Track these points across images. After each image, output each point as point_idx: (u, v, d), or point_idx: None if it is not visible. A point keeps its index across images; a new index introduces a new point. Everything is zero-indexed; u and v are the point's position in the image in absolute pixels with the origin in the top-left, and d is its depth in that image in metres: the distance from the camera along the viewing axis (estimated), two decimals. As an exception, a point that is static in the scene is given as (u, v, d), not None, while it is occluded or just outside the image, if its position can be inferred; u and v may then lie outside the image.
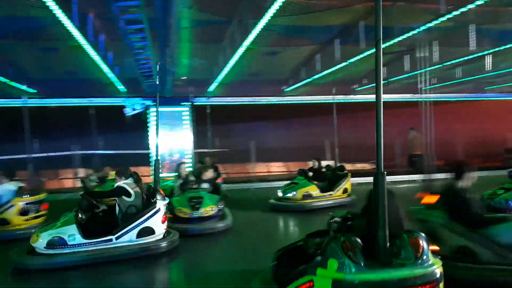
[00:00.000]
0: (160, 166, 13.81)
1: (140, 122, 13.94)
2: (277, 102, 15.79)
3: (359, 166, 16.69)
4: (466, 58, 10.77)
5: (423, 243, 2.83)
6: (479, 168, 6.04)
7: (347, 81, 13.86)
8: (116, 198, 5.79)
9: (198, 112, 14.46)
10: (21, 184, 7.48)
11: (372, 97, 15.65)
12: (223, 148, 15.59)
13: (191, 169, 12.21)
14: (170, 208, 7.05)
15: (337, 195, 9.12)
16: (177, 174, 8.45)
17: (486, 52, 10.44)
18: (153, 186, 6.56)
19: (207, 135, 13.85)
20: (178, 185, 7.93)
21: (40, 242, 5.24)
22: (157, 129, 7.14)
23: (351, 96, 15.22)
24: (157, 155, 7.03)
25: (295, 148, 15.08)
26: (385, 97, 3.09)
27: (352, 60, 10.73)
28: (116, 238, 5.47)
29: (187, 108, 14.08)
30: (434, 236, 4.08)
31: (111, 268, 5.28)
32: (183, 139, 14.02)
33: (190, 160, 13.72)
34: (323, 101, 14.34)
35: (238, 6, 8.39)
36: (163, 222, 5.84)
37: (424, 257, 2.79)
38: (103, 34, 9.25)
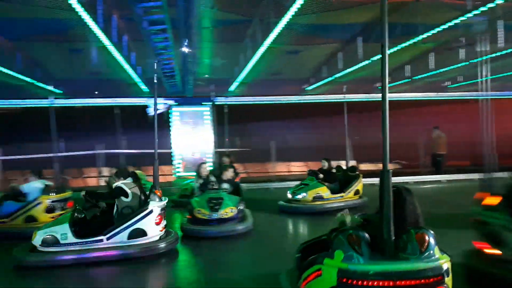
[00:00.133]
0: (179, 165, 14.09)
1: (162, 121, 14.10)
2: (298, 101, 15.70)
3: (381, 165, 16.42)
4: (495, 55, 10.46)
5: (429, 238, 2.93)
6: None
7: (369, 80, 13.67)
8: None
9: (219, 112, 14.52)
10: (48, 183, 7.68)
11: (397, 96, 15.50)
12: (244, 148, 15.62)
13: (212, 168, 12.27)
14: (189, 209, 7.01)
15: (348, 197, 8.82)
16: (196, 174, 8.39)
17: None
18: (155, 186, 6.43)
19: (227, 134, 13.88)
20: (198, 185, 7.86)
21: (36, 240, 5.37)
22: (155, 128, 7.08)
23: (373, 95, 14.99)
24: (156, 156, 6.88)
25: (316, 147, 14.96)
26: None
27: (374, 58, 10.57)
28: (107, 239, 5.44)
29: (208, 108, 14.17)
30: (495, 239, 3.88)
31: (105, 268, 5.29)
32: (204, 138, 14.12)
33: (211, 160, 13.79)
34: (341, 100, 14.17)
35: (260, 5, 8.39)
36: (157, 224, 5.69)
37: (430, 252, 2.89)
38: (126, 35, 9.41)
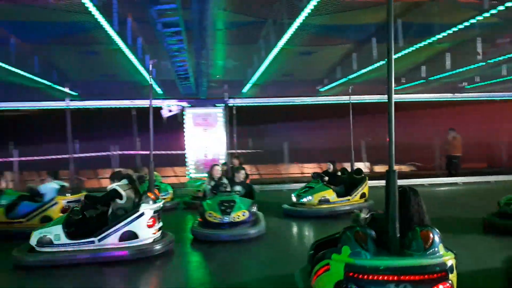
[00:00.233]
0: (193, 167, 14.15)
1: (176, 123, 14.20)
2: (312, 103, 15.63)
3: (395, 168, 16.24)
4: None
5: (433, 236, 3.00)
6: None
7: (383, 81, 13.52)
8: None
9: (232, 113, 14.55)
10: (63, 183, 7.80)
11: (412, 97, 15.27)
12: (256, 149, 15.61)
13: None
14: (200, 211, 6.92)
15: (354, 200, 8.63)
16: (208, 175, 8.32)
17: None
18: (154, 188, 6.40)
19: (239, 136, 13.87)
20: (209, 187, 7.72)
21: (32, 240, 5.47)
22: (150, 130, 7.03)
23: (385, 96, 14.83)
24: (151, 158, 6.71)
25: (329, 149, 14.87)
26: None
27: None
28: (99, 240, 5.49)
29: (221, 109, 14.22)
30: None
31: (111, 269, 5.32)
32: (217, 140, 14.16)
33: (224, 161, 13.82)
34: (356, 101, 14.03)
35: (273, 6, 8.37)
36: (150, 227, 5.67)
37: (434, 249, 2.96)
38: (141, 37, 9.49)
